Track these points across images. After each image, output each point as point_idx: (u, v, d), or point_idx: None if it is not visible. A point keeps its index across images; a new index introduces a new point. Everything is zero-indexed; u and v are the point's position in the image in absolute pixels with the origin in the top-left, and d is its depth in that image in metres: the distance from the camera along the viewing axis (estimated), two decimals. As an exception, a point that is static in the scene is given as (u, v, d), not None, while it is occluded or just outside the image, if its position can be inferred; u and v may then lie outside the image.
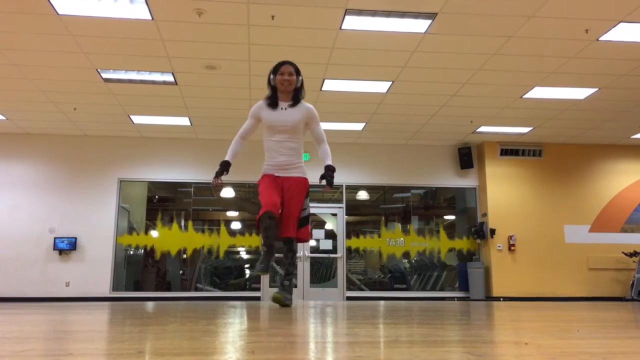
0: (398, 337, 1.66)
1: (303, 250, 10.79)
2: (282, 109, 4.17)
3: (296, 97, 4.24)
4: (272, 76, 4.19)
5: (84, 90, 8.38)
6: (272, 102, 4.20)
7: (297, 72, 4.20)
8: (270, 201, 3.94)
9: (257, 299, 10.28)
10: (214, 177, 4.17)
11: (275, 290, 4.35)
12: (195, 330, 1.84)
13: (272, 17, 6.14)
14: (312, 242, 10.92)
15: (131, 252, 10.78)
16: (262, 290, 10.53)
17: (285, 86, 4.14)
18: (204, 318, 2.51)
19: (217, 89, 8.32)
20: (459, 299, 10.49)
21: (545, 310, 3.88)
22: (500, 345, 1.50)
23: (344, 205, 11.03)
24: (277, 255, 4.25)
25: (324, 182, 4.20)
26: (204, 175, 10.84)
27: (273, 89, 4.21)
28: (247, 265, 11.05)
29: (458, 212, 11.80)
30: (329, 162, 4.29)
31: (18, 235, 10.19)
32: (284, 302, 4.07)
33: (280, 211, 4.04)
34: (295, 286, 10.75)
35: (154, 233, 10.77)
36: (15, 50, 6.99)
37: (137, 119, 9.78)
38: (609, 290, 10.77)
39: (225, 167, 4.21)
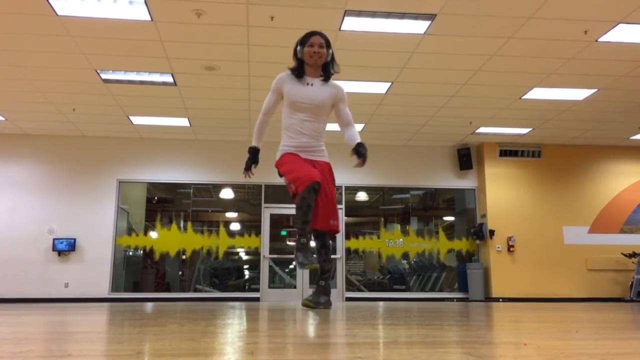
0: (397, 338, 1.66)
1: (302, 251, 10.76)
2: (309, 84, 3.77)
3: (326, 72, 3.81)
4: (299, 47, 3.76)
5: (83, 91, 8.38)
6: (299, 74, 3.78)
7: (328, 45, 3.78)
8: (309, 173, 3.54)
9: (257, 300, 10.27)
10: (245, 169, 3.87)
11: (309, 295, 3.93)
12: (194, 331, 1.84)
13: (272, 18, 6.14)
14: (312, 243, 10.91)
15: (130, 253, 10.77)
16: (261, 291, 10.52)
17: (315, 59, 3.72)
18: (203, 319, 2.51)
19: (217, 90, 8.32)
20: (458, 299, 10.49)
21: (545, 311, 3.88)
22: (499, 346, 1.50)
23: (343, 206, 11.03)
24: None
25: (354, 157, 3.82)
26: (203, 176, 10.84)
27: (299, 61, 3.79)
28: (246, 267, 11.04)
29: (457, 213, 11.80)
30: (360, 140, 3.87)
31: (17, 236, 10.18)
32: (314, 306, 3.73)
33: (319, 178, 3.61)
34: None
35: (153, 234, 10.76)
36: (14, 51, 6.99)
37: (136, 120, 9.77)
38: (608, 291, 10.77)
39: (254, 156, 3.90)
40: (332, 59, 3.83)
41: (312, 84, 3.77)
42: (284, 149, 3.81)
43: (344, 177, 10.96)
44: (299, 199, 3.52)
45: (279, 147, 3.84)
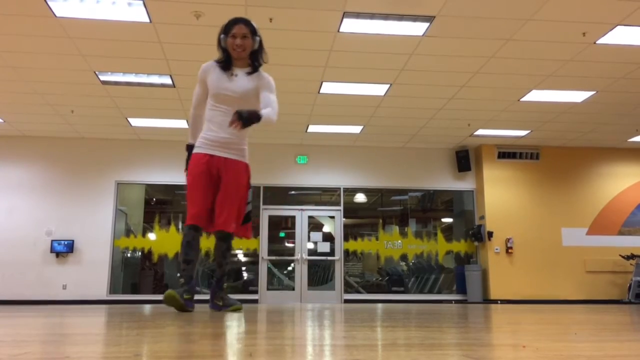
0: (396, 340, 1.66)
1: (301, 253, 10.78)
2: (233, 75, 3.51)
3: (254, 63, 3.53)
4: (222, 36, 3.48)
5: (82, 93, 8.37)
6: (225, 64, 3.51)
7: (254, 33, 3.49)
8: (195, 212, 3.37)
9: (255, 302, 10.26)
10: (185, 170, 3.55)
11: (177, 291, 3.44)
12: (192, 334, 1.84)
13: (270, 19, 6.15)
14: (310, 245, 10.92)
15: (128, 255, 10.76)
16: (260, 293, 10.51)
17: (238, 52, 3.45)
18: (201, 321, 2.50)
19: (215, 92, 8.31)
20: (457, 301, 10.49)
21: (543, 313, 3.88)
22: (497, 348, 1.50)
23: (341, 207, 11.02)
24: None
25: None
26: (202, 177, 10.82)
27: (224, 51, 3.51)
28: (244, 268, 11.03)
29: (455, 214, 11.80)
30: (265, 111, 3.33)
31: (15, 238, 10.16)
32: (179, 300, 3.31)
33: (208, 219, 3.44)
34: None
35: (152, 236, 10.75)
36: (12, 52, 6.98)
37: (134, 122, 9.77)
38: (607, 293, 10.78)
39: (191, 152, 3.57)
40: (261, 47, 3.55)
41: (236, 75, 3.50)
42: (199, 142, 3.50)
43: (342, 179, 10.97)
44: (183, 234, 3.45)
45: (198, 138, 3.54)
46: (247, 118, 3.19)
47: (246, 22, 3.48)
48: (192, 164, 3.49)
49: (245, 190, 3.55)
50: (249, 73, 3.52)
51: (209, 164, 3.45)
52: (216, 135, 3.47)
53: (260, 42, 3.55)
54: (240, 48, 3.44)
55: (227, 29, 3.47)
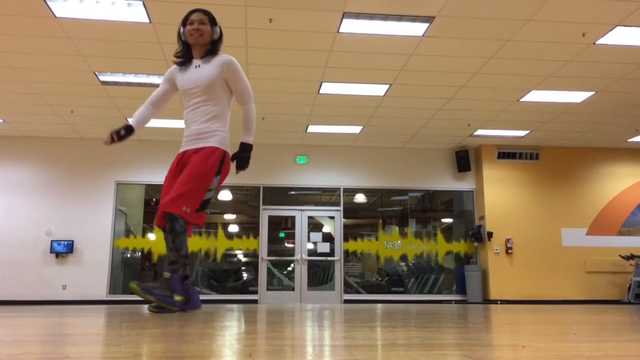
0: (395, 340, 1.66)
1: (300, 254, 10.78)
2: (195, 67, 3.44)
3: (211, 49, 3.45)
4: (182, 29, 3.45)
5: (82, 93, 8.37)
6: (185, 59, 3.47)
7: (213, 22, 3.44)
8: (159, 211, 3.28)
9: (255, 302, 10.26)
10: (109, 135, 3.38)
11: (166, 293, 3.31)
12: (192, 334, 1.84)
13: (270, 20, 6.15)
14: (310, 245, 10.92)
15: (128, 255, 10.76)
16: (260, 293, 10.51)
17: (196, 37, 3.37)
18: (201, 321, 2.50)
19: (215, 92, 8.31)
20: (457, 302, 10.49)
21: (543, 313, 3.88)
22: (497, 349, 1.50)
23: (341, 208, 11.02)
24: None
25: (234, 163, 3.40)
26: (202, 178, 10.82)
27: (184, 44, 3.48)
28: (244, 268, 11.03)
29: (455, 215, 11.80)
30: (247, 138, 3.43)
31: (15, 238, 10.16)
32: (143, 295, 3.16)
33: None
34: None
35: (151, 236, 10.75)
36: (12, 52, 6.98)
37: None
38: (606, 294, 10.78)
39: (126, 128, 3.40)
40: (220, 38, 3.48)
41: (199, 66, 3.43)
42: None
43: (342, 179, 10.97)
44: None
45: None
46: (247, 159, 3.38)
47: (205, 11, 3.44)
48: (170, 168, 3.47)
49: (206, 174, 3.28)
50: (206, 60, 3.43)
51: (180, 160, 3.41)
52: (189, 129, 3.42)
53: (221, 32, 3.47)
54: (198, 32, 3.37)
55: (185, 20, 3.44)
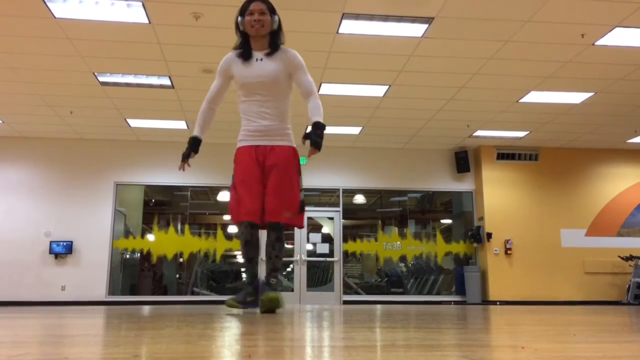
0: (395, 341, 1.66)
1: (300, 254, 10.78)
2: (257, 60, 3.30)
3: (274, 42, 3.31)
4: (239, 19, 3.28)
5: (81, 94, 8.37)
6: (245, 52, 3.31)
7: (272, 11, 3.28)
8: (247, 208, 3.19)
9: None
10: (181, 160, 3.44)
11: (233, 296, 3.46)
12: (191, 335, 1.84)
13: (269, 21, 6.14)
14: (309, 246, 10.92)
15: (127, 256, 10.75)
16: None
17: (257, 29, 3.22)
18: (200, 322, 2.50)
19: (214, 93, 8.31)
20: (456, 303, 10.49)
21: (542, 314, 3.88)
22: (496, 349, 1.50)
23: (340, 209, 11.02)
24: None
25: (308, 142, 3.29)
26: (201, 178, 10.83)
27: (243, 35, 3.31)
28: (243, 269, 11.03)
29: (455, 216, 11.81)
30: (318, 119, 3.33)
31: (14, 238, 10.15)
32: (243, 307, 3.32)
33: (262, 212, 3.24)
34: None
35: (151, 237, 10.74)
36: (11, 53, 6.98)
37: (133, 123, 9.76)
38: (605, 294, 10.79)
39: (193, 146, 3.45)
40: (280, 27, 3.33)
41: (260, 59, 3.29)
42: (241, 136, 3.39)
43: (341, 180, 10.97)
44: (238, 233, 3.34)
45: (240, 132, 3.42)
46: (320, 141, 3.23)
47: (263, 0, 3.28)
48: (238, 158, 3.35)
49: (297, 176, 3.36)
50: (270, 54, 3.31)
51: (256, 155, 3.30)
52: (257, 124, 3.32)
53: (279, 22, 3.33)
54: (259, 24, 3.22)
55: (243, 10, 3.27)
